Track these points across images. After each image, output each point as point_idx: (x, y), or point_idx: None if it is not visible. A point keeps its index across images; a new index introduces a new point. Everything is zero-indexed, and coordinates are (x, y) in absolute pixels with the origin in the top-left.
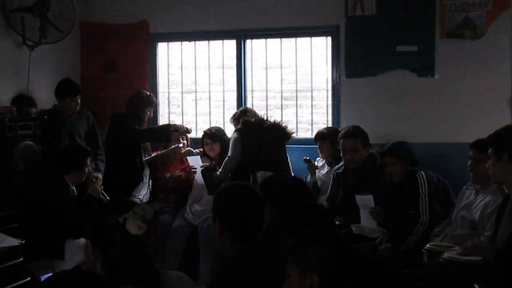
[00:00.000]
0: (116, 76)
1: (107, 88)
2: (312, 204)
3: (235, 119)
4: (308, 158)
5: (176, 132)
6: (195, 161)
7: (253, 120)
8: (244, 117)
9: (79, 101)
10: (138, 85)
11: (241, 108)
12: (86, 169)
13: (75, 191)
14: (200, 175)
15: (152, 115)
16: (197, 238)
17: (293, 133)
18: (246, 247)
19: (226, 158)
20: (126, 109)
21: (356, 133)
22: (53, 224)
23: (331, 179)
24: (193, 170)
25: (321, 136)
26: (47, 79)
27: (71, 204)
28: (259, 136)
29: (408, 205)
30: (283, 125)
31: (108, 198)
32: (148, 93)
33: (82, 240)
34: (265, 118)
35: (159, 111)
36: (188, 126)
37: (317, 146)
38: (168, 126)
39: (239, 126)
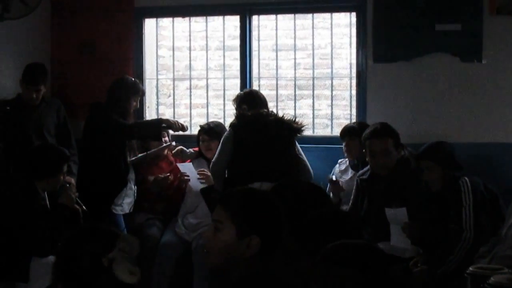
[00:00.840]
0: (94, 59)
1: (82, 74)
2: (336, 211)
3: (236, 105)
4: (334, 178)
5: (168, 129)
6: (187, 168)
7: (249, 113)
8: (243, 106)
9: (39, 94)
10: (120, 70)
11: (245, 90)
12: (62, 177)
13: (46, 199)
14: (194, 182)
15: (138, 106)
16: (190, 257)
17: (302, 128)
18: (263, 266)
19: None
20: (106, 99)
21: (385, 131)
22: (17, 239)
23: (354, 186)
24: (185, 177)
25: (350, 131)
26: (10, 62)
27: (40, 216)
28: (255, 135)
29: (449, 218)
30: (290, 118)
31: (83, 208)
32: (133, 79)
33: (51, 259)
34: (267, 112)
35: (146, 101)
36: (183, 122)
37: (343, 144)
38: (159, 121)
39: (233, 121)
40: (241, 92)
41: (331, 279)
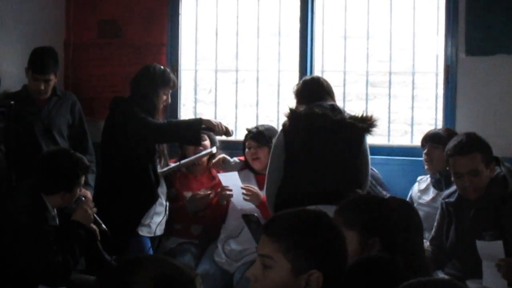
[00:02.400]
0: (118, 44)
1: (103, 62)
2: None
3: (296, 96)
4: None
5: (209, 132)
6: (231, 179)
7: (302, 110)
8: (301, 99)
9: (50, 85)
10: (150, 59)
11: (307, 77)
12: (78, 191)
13: (57, 218)
14: (239, 198)
15: (169, 100)
16: None
17: (373, 124)
18: None
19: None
20: (130, 92)
21: (472, 146)
22: (21, 265)
23: (439, 211)
24: (227, 192)
25: (433, 137)
26: (17, 47)
27: (49, 237)
28: (309, 140)
29: None
30: (356, 115)
31: (103, 227)
32: (162, 67)
33: None
34: (329, 107)
35: (181, 97)
36: (228, 126)
37: (424, 153)
38: (198, 122)
39: (284, 121)
40: (303, 79)
41: None
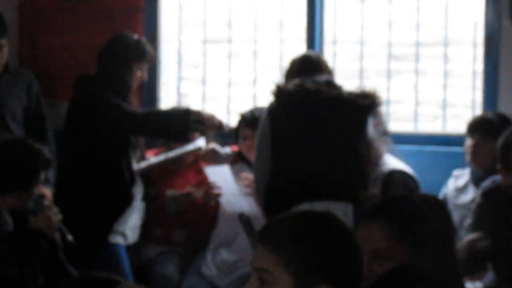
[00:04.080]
0: (85, 9)
1: (67, 31)
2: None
3: (286, 78)
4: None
5: (199, 125)
6: (221, 174)
7: (291, 87)
8: (290, 78)
9: (3, 53)
10: (124, 26)
11: (299, 55)
12: (36, 190)
13: (11, 222)
14: (230, 198)
15: (146, 78)
16: None
17: (377, 103)
18: None
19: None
20: (97, 69)
21: None
22: None
23: (475, 207)
24: (215, 190)
25: (483, 125)
26: None
27: (2, 246)
28: (299, 123)
29: None
30: (356, 92)
31: (70, 237)
32: (136, 37)
33: None
34: (322, 83)
35: (161, 74)
36: (221, 119)
37: (467, 143)
38: (186, 113)
39: (271, 102)
40: (295, 58)
41: None
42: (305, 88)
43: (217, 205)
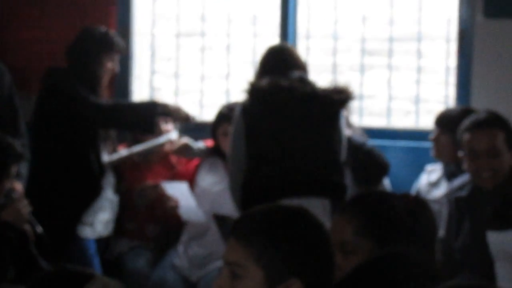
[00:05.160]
0: (56, 1)
1: (39, 23)
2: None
3: (257, 72)
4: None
5: (166, 116)
6: (178, 190)
7: (265, 84)
8: (261, 76)
9: None
10: (96, 19)
11: (269, 47)
12: (7, 184)
13: None
14: (188, 210)
15: (118, 68)
16: None
17: (350, 98)
18: None
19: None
20: (67, 61)
21: (495, 122)
22: None
23: (448, 208)
24: (172, 204)
25: (443, 119)
26: None
27: None
28: (274, 119)
29: None
30: (329, 88)
31: (39, 228)
32: (104, 29)
33: None
34: (295, 79)
35: (134, 68)
36: (188, 111)
37: (431, 139)
38: (152, 106)
39: (244, 98)
40: (265, 51)
41: None
42: (279, 85)
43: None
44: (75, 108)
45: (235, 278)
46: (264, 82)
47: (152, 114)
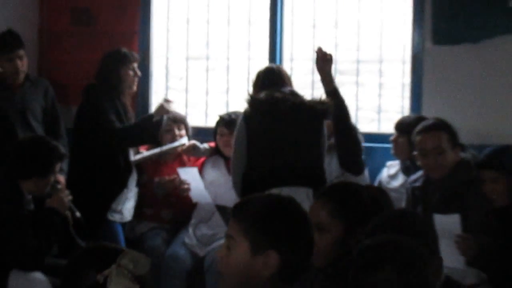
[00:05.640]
0: (90, 31)
1: (76, 50)
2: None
3: (254, 87)
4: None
5: (164, 115)
6: (190, 174)
7: (262, 96)
8: (257, 89)
9: (23, 62)
10: (123, 45)
11: (263, 68)
12: (52, 178)
13: (32, 203)
14: (198, 193)
15: (139, 74)
16: (202, 276)
17: (331, 108)
18: None
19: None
20: (96, 80)
21: (440, 126)
22: None
23: (405, 196)
24: (185, 186)
25: (400, 125)
26: None
27: (24, 221)
28: (270, 125)
29: None
30: (313, 98)
31: (78, 214)
32: (121, 48)
33: (38, 276)
34: (287, 92)
35: (152, 85)
36: (169, 97)
37: (391, 140)
38: (149, 118)
39: (245, 108)
40: (259, 72)
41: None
42: (274, 97)
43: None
44: (101, 133)
45: (229, 248)
46: (262, 94)
47: (151, 124)
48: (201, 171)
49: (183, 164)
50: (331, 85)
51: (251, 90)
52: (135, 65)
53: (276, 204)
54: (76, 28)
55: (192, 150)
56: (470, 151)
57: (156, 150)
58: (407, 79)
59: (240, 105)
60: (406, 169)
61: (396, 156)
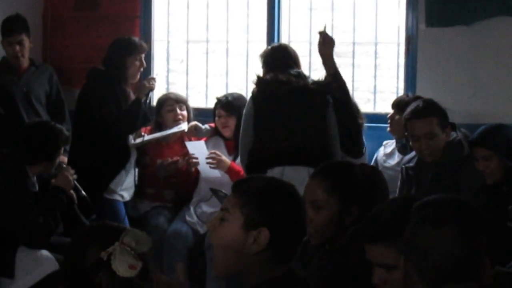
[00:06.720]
0: (94, 16)
1: (79, 34)
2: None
3: (262, 67)
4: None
5: (151, 92)
6: (198, 147)
7: (268, 77)
8: (267, 66)
9: (24, 48)
10: (125, 30)
11: (273, 44)
12: (58, 160)
13: (36, 184)
14: (205, 166)
15: (145, 64)
16: (202, 251)
17: (330, 90)
18: (287, 270)
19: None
20: (103, 65)
21: (428, 110)
22: (3, 226)
23: (400, 176)
24: (193, 160)
25: (397, 104)
26: None
27: (30, 201)
28: (275, 105)
29: (506, 215)
30: (319, 79)
31: (83, 193)
32: (128, 37)
33: (44, 253)
34: (293, 73)
35: (154, 67)
36: (155, 75)
37: (388, 117)
38: (137, 102)
39: (253, 89)
40: (268, 48)
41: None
42: (278, 79)
43: (197, 170)
44: (98, 116)
45: (222, 220)
46: (268, 76)
47: (140, 109)
48: None
49: (184, 145)
50: (332, 68)
51: (257, 71)
52: (143, 56)
53: (276, 185)
54: (79, 12)
55: (194, 130)
56: (462, 130)
57: (157, 135)
58: (402, 60)
59: (238, 86)
60: (402, 148)
61: (392, 133)
